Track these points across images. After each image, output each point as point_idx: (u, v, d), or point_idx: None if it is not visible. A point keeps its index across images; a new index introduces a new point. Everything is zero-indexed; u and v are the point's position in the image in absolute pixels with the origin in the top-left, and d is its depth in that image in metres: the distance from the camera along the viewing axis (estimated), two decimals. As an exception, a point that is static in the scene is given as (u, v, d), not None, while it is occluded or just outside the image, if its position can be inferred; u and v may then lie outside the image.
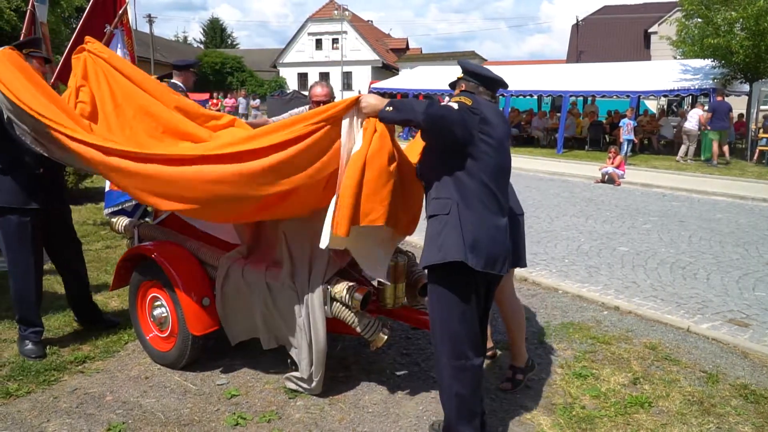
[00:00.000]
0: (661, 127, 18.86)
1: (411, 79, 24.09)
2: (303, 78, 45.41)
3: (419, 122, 2.56)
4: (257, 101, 28.31)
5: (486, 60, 40.12)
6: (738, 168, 14.36)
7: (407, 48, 51.32)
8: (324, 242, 2.86)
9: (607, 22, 38.34)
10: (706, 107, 15.99)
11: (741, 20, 14.83)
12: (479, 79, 2.80)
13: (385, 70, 43.35)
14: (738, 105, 17.55)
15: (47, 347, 3.81)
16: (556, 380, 3.61)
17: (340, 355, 3.88)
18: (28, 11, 6.23)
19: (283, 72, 46.40)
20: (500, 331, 4.14)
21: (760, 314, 4.83)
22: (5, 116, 3.35)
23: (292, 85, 43.03)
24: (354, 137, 2.85)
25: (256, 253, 3.58)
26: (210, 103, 23.95)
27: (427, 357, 3.87)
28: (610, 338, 4.22)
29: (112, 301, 4.74)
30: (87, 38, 3.74)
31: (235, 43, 61.85)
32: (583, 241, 7.28)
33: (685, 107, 20.36)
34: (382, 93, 21.51)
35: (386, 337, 3.20)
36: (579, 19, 38.95)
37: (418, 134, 2.96)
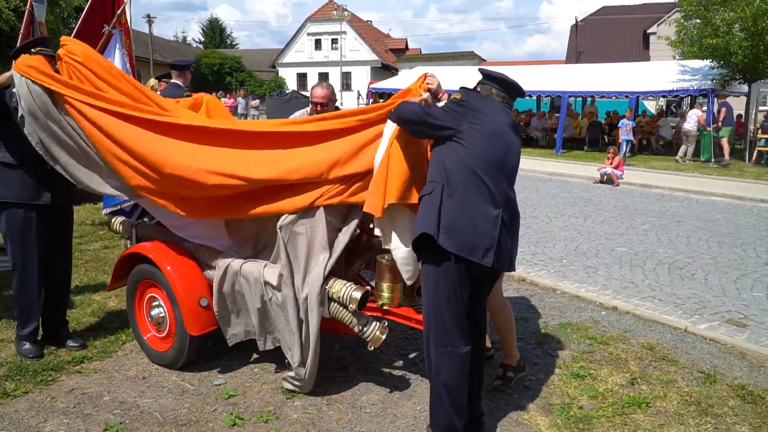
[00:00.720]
0: (660, 128, 18.88)
1: (410, 79, 23.92)
2: (302, 78, 45.43)
3: (395, 121, 2.93)
4: (256, 101, 28.22)
5: (485, 60, 40.10)
6: (736, 168, 14.39)
7: (406, 48, 51.30)
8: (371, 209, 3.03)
9: (607, 22, 38.41)
10: (705, 108, 16.03)
11: (739, 21, 14.86)
12: (493, 81, 2.95)
13: (385, 70, 43.31)
14: (736, 106, 17.54)
15: (45, 347, 3.81)
16: (553, 380, 3.61)
17: (338, 355, 3.89)
18: (27, 11, 6.22)
19: (282, 72, 46.36)
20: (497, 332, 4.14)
21: (758, 315, 4.83)
22: (19, 114, 3.37)
23: (292, 85, 42.95)
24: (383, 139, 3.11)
25: (252, 253, 3.58)
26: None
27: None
28: (607, 338, 4.23)
29: (109, 301, 4.74)
30: (63, 39, 3.56)
31: (234, 43, 61.91)
32: (582, 241, 7.28)
33: (684, 108, 20.37)
34: (381, 94, 21.53)
35: (384, 337, 3.19)
36: (578, 20, 39.00)
37: None
